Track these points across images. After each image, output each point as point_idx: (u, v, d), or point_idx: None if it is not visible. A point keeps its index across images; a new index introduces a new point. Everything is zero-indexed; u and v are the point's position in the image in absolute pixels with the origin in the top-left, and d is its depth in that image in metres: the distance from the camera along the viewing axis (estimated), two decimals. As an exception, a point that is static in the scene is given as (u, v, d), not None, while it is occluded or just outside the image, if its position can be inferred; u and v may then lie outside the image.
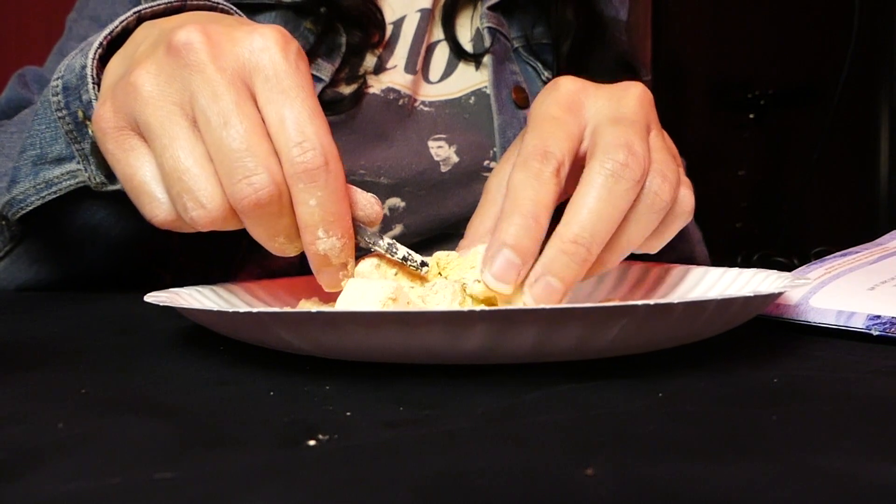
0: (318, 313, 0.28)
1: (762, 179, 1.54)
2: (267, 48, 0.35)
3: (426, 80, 0.70)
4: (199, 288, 0.41)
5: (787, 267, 0.50)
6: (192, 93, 0.35)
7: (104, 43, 0.44)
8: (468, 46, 0.71)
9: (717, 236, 0.86)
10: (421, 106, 0.68)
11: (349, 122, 0.65)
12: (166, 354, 0.36)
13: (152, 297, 0.35)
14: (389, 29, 0.68)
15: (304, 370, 0.31)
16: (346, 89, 0.65)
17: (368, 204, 0.37)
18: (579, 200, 0.35)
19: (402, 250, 0.37)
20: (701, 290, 0.42)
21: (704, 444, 0.22)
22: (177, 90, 0.35)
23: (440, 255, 0.38)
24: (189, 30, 0.35)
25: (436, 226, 0.69)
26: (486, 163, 0.68)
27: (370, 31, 0.66)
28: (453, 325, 0.27)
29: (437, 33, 0.71)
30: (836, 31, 1.34)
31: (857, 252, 0.46)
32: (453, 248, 0.72)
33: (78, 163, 0.47)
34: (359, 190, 0.38)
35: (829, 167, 1.38)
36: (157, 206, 0.37)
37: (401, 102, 0.67)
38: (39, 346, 0.38)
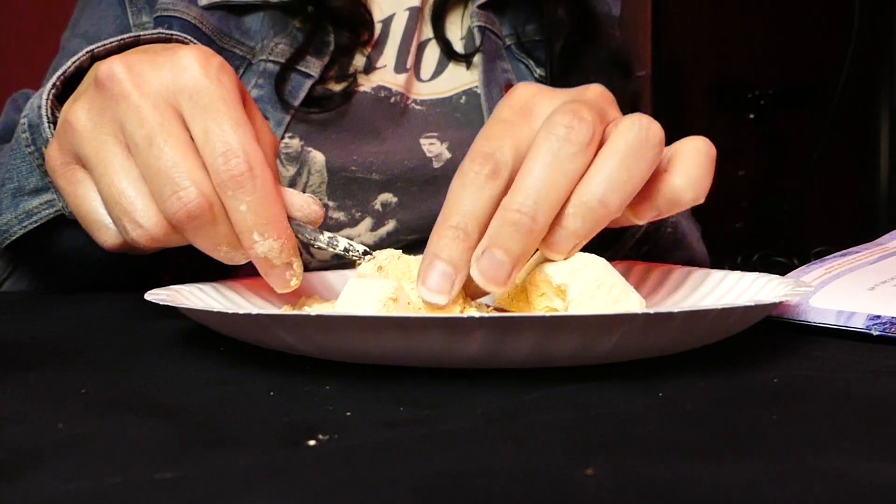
0: (318, 316, 0.28)
1: (762, 179, 1.54)
2: (186, 68, 0.37)
3: (418, 78, 0.70)
4: (199, 285, 0.41)
5: (787, 267, 0.50)
6: (121, 121, 0.37)
7: (58, 84, 0.46)
8: (459, 45, 0.71)
9: (717, 236, 0.86)
10: (413, 104, 0.68)
11: (339, 120, 0.65)
12: (166, 354, 0.36)
13: (152, 296, 0.35)
14: (378, 27, 0.68)
15: (304, 370, 0.31)
16: (336, 87, 0.65)
17: (305, 204, 0.38)
18: (524, 170, 0.34)
19: (343, 242, 0.39)
20: (701, 293, 0.42)
21: (704, 444, 0.22)
22: (108, 121, 0.37)
23: (387, 254, 0.38)
24: (111, 63, 0.38)
25: (430, 222, 0.68)
26: None
27: (359, 30, 0.66)
28: (452, 331, 0.27)
29: (428, 31, 0.71)
30: (836, 31, 1.34)
31: (857, 252, 0.46)
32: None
33: (52, 193, 0.49)
34: (295, 192, 0.39)
35: (829, 167, 1.38)
36: (104, 231, 0.40)
37: (392, 100, 0.67)
38: (39, 346, 0.38)
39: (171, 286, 0.40)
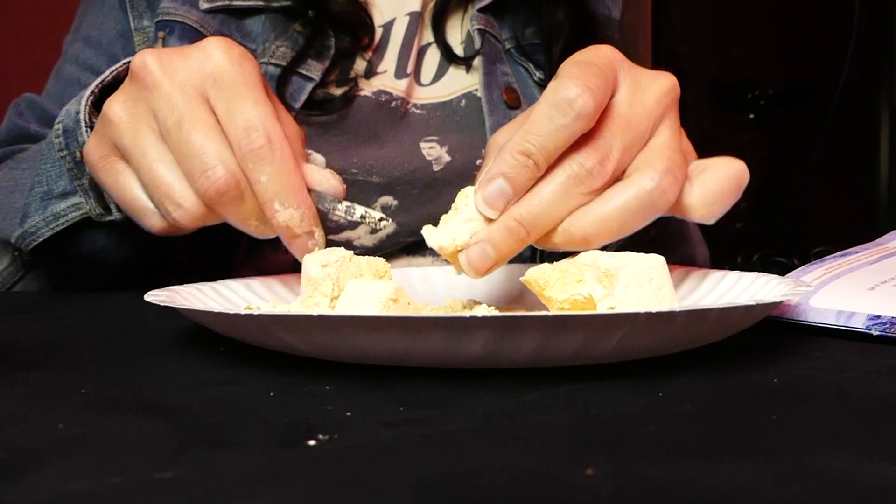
0: (319, 316, 0.28)
1: (762, 179, 1.54)
2: (211, 55, 0.40)
3: (418, 82, 0.70)
4: (198, 286, 0.41)
5: (787, 267, 0.50)
6: (154, 109, 0.40)
7: (95, 91, 0.49)
8: (459, 49, 0.71)
9: (717, 236, 0.86)
10: (413, 108, 0.69)
11: (340, 123, 0.65)
12: (166, 354, 0.36)
13: (152, 297, 0.35)
14: (379, 32, 0.68)
15: (304, 370, 0.31)
16: (337, 91, 0.65)
17: (325, 178, 0.41)
18: (539, 187, 0.36)
19: (360, 209, 0.41)
20: (701, 293, 0.42)
21: (704, 444, 0.22)
22: (142, 111, 0.40)
23: (338, 255, 0.37)
24: (143, 54, 0.41)
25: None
26: (478, 162, 0.68)
27: (359, 35, 0.66)
28: (454, 331, 0.27)
29: (428, 36, 0.71)
30: (836, 31, 1.34)
31: (857, 252, 0.46)
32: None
33: (80, 196, 0.51)
34: (316, 168, 0.41)
35: (829, 167, 1.38)
36: (150, 216, 0.42)
37: (393, 105, 0.67)
38: (39, 346, 0.38)
39: (170, 287, 0.40)
